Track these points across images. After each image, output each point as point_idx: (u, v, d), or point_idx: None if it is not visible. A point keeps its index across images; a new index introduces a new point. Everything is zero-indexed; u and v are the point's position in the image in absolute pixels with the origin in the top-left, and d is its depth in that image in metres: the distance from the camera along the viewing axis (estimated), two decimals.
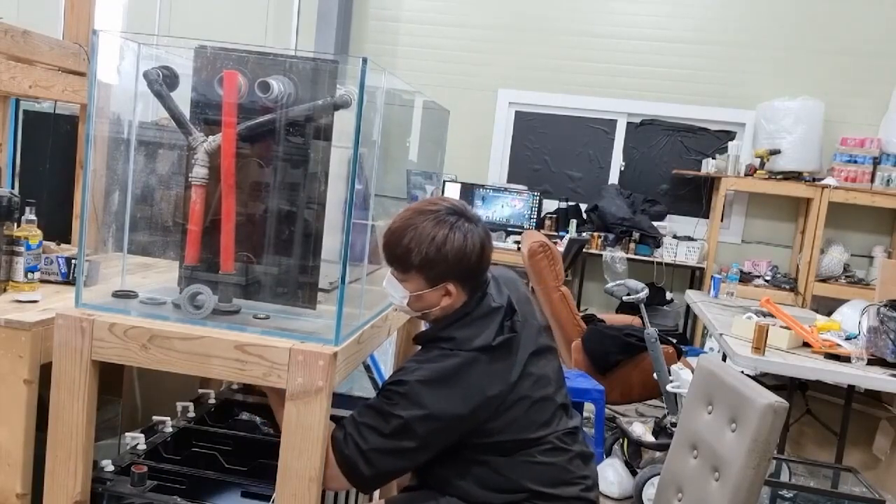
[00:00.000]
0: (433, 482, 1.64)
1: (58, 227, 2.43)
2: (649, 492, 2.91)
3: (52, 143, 2.66)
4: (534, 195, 5.83)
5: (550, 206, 5.99)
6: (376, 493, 2.26)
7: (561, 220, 5.83)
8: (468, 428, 1.54)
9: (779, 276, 5.48)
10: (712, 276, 4.86)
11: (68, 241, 2.43)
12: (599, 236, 5.64)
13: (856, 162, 5.30)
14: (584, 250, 5.47)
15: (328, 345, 1.43)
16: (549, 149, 6.20)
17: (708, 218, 5.80)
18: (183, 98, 1.52)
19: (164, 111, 1.51)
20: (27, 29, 2.27)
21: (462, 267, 1.56)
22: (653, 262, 5.60)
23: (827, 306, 4.75)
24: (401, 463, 1.53)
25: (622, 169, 6.07)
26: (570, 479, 1.64)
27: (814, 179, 5.27)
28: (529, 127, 6.21)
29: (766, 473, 1.76)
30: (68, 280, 1.99)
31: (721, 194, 5.45)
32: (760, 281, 5.45)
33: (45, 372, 1.54)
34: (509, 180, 6.20)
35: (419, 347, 1.68)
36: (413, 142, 3.15)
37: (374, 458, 1.48)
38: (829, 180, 5.21)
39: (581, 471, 1.67)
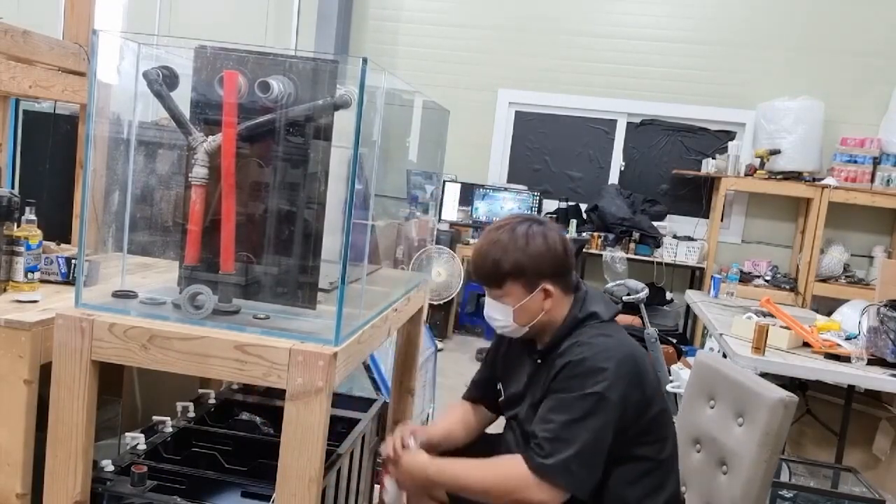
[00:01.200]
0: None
1: (58, 227, 2.43)
2: None
3: (52, 143, 2.66)
4: (534, 195, 5.83)
5: (550, 206, 6.00)
6: (376, 494, 2.26)
7: (561, 220, 5.83)
8: (640, 396, 1.57)
9: (779, 276, 5.48)
10: (712, 276, 4.86)
11: (68, 241, 2.43)
12: (599, 236, 5.64)
13: (856, 162, 5.30)
14: (584, 250, 5.47)
15: (328, 345, 1.43)
16: (549, 149, 6.20)
17: (708, 218, 5.80)
18: (183, 98, 1.52)
19: (163, 111, 1.51)
20: (27, 29, 2.27)
21: (551, 262, 1.63)
22: (653, 262, 5.60)
23: (827, 306, 4.75)
24: (600, 437, 1.52)
25: (622, 169, 6.07)
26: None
27: (814, 179, 5.27)
28: (529, 127, 6.21)
29: (776, 467, 1.78)
30: (68, 280, 1.99)
31: (721, 194, 5.46)
32: (760, 281, 5.45)
33: (45, 372, 1.54)
34: (509, 180, 6.20)
35: (539, 361, 1.70)
36: (413, 142, 3.15)
37: (583, 451, 1.49)
38: (829, 180, 5.21)
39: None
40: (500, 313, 1.66)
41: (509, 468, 1.55)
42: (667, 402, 1.68)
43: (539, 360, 1.69)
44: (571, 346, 1.60)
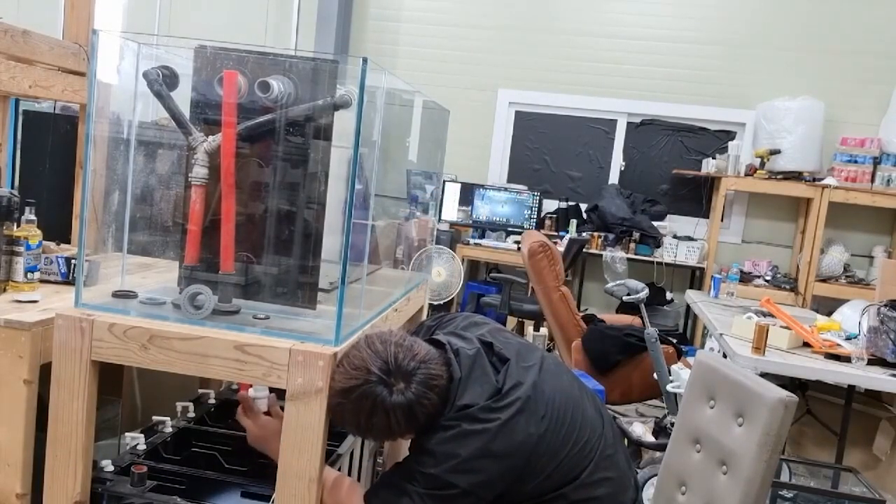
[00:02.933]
0: None
1: (58, 227, 2.43)
2: (649, 492, 2.90)
3: (52, 143, 2.66)
4: (534, 195, 5.83)
5: (550, 206, 6.00)
6: None
7: (561, 220, 5.83)
8: (514, 475, 1.51)
9: (779, 276, 5.48)
10: (712, 276, 4.86)
11: (68, 241, 2.43)
12: (599, 236, 5.64)
13: (856, 162, 5.30)
14: (584, 250, 5.47)
15: (328, 345, 1.43)
16: (549, 149, 6.20)
17: (708, 218, 5.80)
18: (183, 98, 1.52)
19: (163, 111, 1.51)
20: (27, 29, 2.27)
21: (396, 430, 1.47)
22: (653, 262, 5.60)
23: (827, 306, 4.75)
24: None
25: (622, 169, 6.07)
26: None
27: (814, 179, 5.27)
28: (529, 127, 6.21)
29: (776, 467, 1.77)
30: (68, 280, 1.99)
31: (721, 194, 5.46)
32: (760, 281, 5.45)
33: (45, 372, 1.54)
34: (509, 180, 6.20)
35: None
36: (413, 142, 3.15)
37: None
38: (829, 180, 5.20)
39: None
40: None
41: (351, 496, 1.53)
42: (571, 454, 1.57)
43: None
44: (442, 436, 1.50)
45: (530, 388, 1.53)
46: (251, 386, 1.72)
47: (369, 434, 1.51)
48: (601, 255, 5.52)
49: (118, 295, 1.62)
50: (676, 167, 5.85)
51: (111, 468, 1.62)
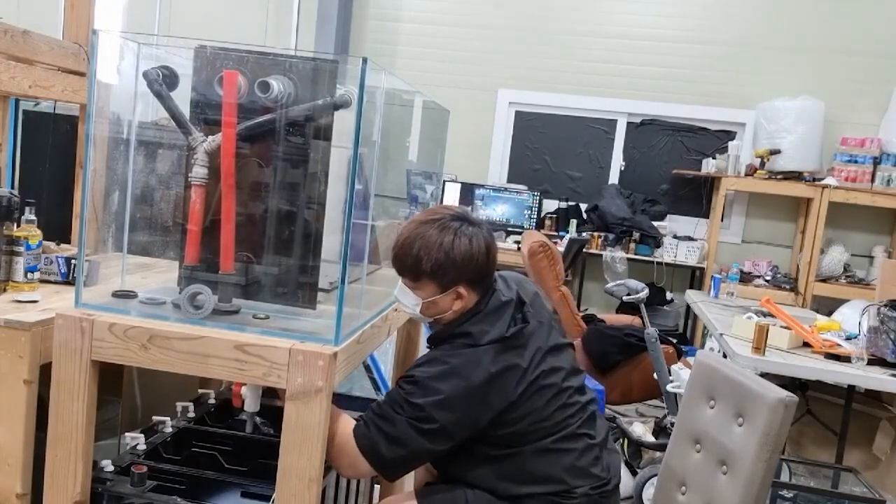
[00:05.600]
0: (455, 477, 1.67)
1: (58, 227, 2.43)
2: (649, 492, 2.91)
3: (52, 143, 2.66)
4: (534, 195, 5.83)
5: (550, 206, 5.99)
6: (376, 494, 2.26)
7: (561, 220, 5.83)
8: (485, 418, 1.57)
9: (779, 276, 5.48)
10: (712, 276, 4.86)
11: (68, 241, 2.43)
12: (599, 236, 5.64)
13: (856, 162, 5.30)
14: (584, 250, 5.47)
15: (328, 345, 1.43)
16: (549, 149, 6.19)
17: (708, 218, 5.80)
18: (183, 98, 1.52)
19: (163, 111, 1.51)
20: (27, 29, 2.27)
21: (471, 269, 1.60)
22: (653, 262, 5.60)
23: (827, 306, 4.75)
24: (421, 447, 1.54)
25: (622, 169, 6.07)
26: (591, 469, 1.67)
27: (814, 179, 5.27)
28: (529, 127, 6.21)
29: (776, 467, 1.77)
30: (68, 280, 1.99)
31: (721, 194, 5.45)
32: (761, 281, 5.45)
33: (45, 372, 1.54)
34: (509, 180, 6.20)
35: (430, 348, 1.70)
36: (413, 142, 3.15)
37: (396, 440, 1.52)
38: (829, 180, 5.20)
39: (600, 462, 1.71)
40: (408, 300, 1.66)
41: (345, 427, 1.57)
42: (538, 400, 1.64)
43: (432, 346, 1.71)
44: (426, 357, 1.62)
45: (530, 354, 1.63)
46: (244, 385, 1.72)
47: (442, 264, 1.57)
48: (601, 255, 5.52)
49: (118, 295, 1.62)
50: (676, 167, 5.85)
51: (111, 468, 1.62)
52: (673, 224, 5.86)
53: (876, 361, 2.83)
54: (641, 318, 3.51)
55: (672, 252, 5.60)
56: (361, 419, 1.57)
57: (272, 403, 2.10)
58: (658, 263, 5.59)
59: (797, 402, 1.65)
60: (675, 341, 4.07)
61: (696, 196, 5.89)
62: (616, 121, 6.05)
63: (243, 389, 1.72)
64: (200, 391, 2.13)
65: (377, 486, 2.30)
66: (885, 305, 2.84)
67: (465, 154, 6.02)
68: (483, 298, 1.66)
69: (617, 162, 6.08)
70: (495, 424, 1.58)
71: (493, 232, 1.68)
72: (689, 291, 5.05)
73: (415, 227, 1.61)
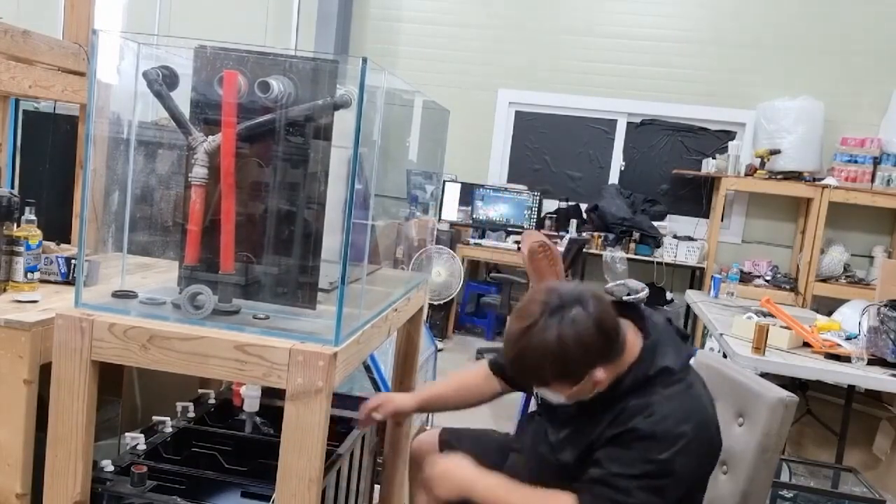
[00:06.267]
0: None
1: (58, 227, 2.43)
2: None
3: (52, 143, 2.66)
4: (534, 195, 5.83)
5: (550, 206, 6.00)
6: (376, 494, 2.26)
7: (561, 220, 5.83)
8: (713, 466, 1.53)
9: (779, 276, 5.48)
10: (712, 276, 4.86)
11: (68, 241, 2.43)
12: (599, 236, 5.64)
13: (856, 162, 5.30)
14: (584, 250, 5.47)
15: (328, 345, 1.42)
16: (549, 149, 6.20)
17: (708, 218, 5.80)
18: (183, 98, 1.51)
19: (163, 111, 1.51)
20: (27, 29, 2.27)
21: (592, 354, 1.45)
22: (653, 262, 5.60)
23: (827, 306, 4.75)
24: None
25: (622, 169, 6.07)
26: None
27: (814, 179, 5.27)
28: (529, 127, 6.21)
29: (776, 467, 1.77)
30: (68, 280, 1.99)
31: (721, 194, 5.45)
32: (761, 281, 5.45)
33: (45, 372, 1.54)
34: (509, 180, 6.20)
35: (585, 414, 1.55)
36: (413, 142, 3.15)
37: None
38: (829, 180, 5.21)
39: None
40: (553, 398, 1.55)
41: None
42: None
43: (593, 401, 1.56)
44: (640, 407, 1.47)
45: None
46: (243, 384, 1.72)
47: (564, 368, 1.44)
48: (601, 255, 5.52)
49: (118, 295, 1.61)
50: (676, 167, 5.85)
51: (111, 468, 1.62)
52: (673, 224, 5.86)
53: (876, 361, 2.83)
54: None
55: (672, 252, 5.60)
56: (586, 494, 1.45)
57: (272, 403, 2.10)
58: (658, 263, 5.59)
59: (797, 402, 1.65)
60: None
61: (696, 196, 5.89)
62: (616, 121, 6.05)
63: (243, 389, 1.72)
64: (200, 391, 2.13)
65: (377, 486, 2.30)
66: (885, 305, 2.84)
67: (465, 154, 6.02)
68: (644, 340, 1.53)
69: (617, 162, 6.08)
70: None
71: (598, 298, 1.48)
72: (689, 291, 5.06)
73: (516, 337, 1.47)
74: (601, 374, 1.47)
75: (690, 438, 1.41)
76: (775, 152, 5.30)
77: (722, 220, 5.59)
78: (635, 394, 1.49)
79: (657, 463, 1.40)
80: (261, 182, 1.54)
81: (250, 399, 1.70)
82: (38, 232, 1.91)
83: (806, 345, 3.05)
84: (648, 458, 1.41)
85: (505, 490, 1.54)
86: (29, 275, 1.87)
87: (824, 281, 5.27)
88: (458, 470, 1.59)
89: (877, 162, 5.28)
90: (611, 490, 1.42)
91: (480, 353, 5.20)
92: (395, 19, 6.28)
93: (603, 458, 1.46)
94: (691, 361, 1.61)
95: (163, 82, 1.48)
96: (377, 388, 2.81)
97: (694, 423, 1.43)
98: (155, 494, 1.55)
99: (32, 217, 1.90)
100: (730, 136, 5.81)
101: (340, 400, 2.12)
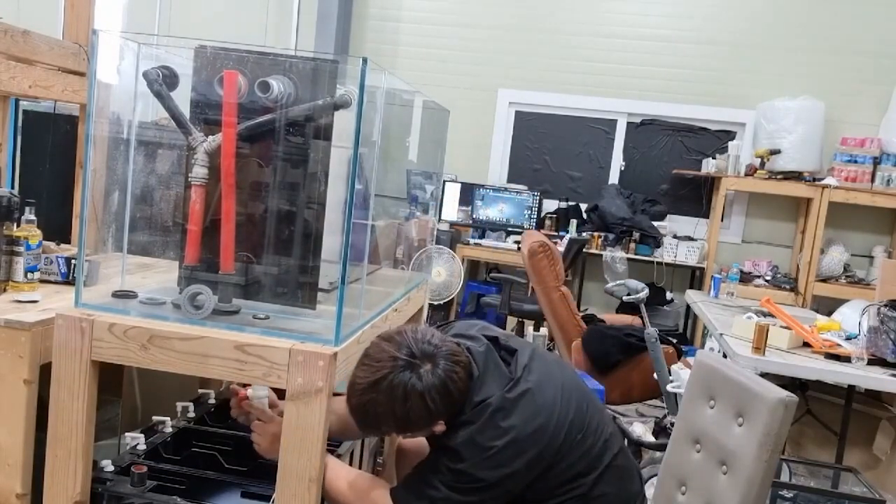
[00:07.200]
0: None
1: (58, 227, 2.43)
2: (649, 492, 2.90)
3: (52, 143, 2.66)
4: (534, 195, 5.83)
5: (550, 206, 5.99)
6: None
7: (561, 220, 5.83)
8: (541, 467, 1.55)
9: (779, 276, 5.48)
10: (712, 276, 4.86)
11: (68, 241, 2.43)
12: (599, 236, 5.64)
13: (856, 162, 5.30)
14: (584, 250, 5.47)
15: (328, 345, 1.43)
16: (549, 149, 6.20)
17: (708, 218, 5.80)
18: (183, 98, 1.52)
19: (163, 111, 1.51)
20: (27, 29, 2.27)
21: (435, 415, 1.48)
22: (653, 262, 5.60)
23: (827, 306, 4.75)
24: None
25: (622, 169, 6.07)
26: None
27: (814, 179, 5.27)
28: (529, 127, 6.21)
29: (776, 467, 1.77)
30: (68, 280, 1.99)
31: (721, 194, 5.45)
32: (761, 281, 5.45)
33: (45, 372, 1.54)
34: (509, 180, 6.20)
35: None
36: (413, 142, 3.16)
37: None
38: (829, 180, 5.20)
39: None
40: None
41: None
42: (592, 442, 1.61)
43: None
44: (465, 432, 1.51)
45: (540, 375, 1.57)
46: (250, 386, 1.72)
47: (406, 425, 1.49)
48: (601, 255, 5.52)
49: (118, 295, 1.62)
50: (676, 167, 5.85)
51: (111, 468, 1.62)
52: (673, 224, 5.86)
53: (876, 361, 2.83)
54: (641, 318, 3.51)
55: (672, 252, 5.60)
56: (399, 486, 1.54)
57: None
58: (658, 263, 5.59)
59: (797, 402, 1.65)
60: (675, 341, 4.06)
61: (696, 196, 5.88)
62: (616, 121, 6.04)
63: (250, 391, 1.72)
64: (200, 391, 2.13)
65: None
66: (885, 305, 2.84)
67: (465, 154, 6.02)
68: (463, 394, 1.52)
69: (617, 162, 6.08)
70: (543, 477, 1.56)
71: (451, 355, 1.49)
72: (689, 291, 5.05)
73: (363, 389, 1.45)
74: (440, 428, 1.52)
75: (499, 448, 1.47)
76: (775, 152, 5.30)
77: (722, 220, 5.59)
78: (456, 432, 1.52)
79: (457, 473, 1.48)
80: (261, 182, 1.54)
81: (258, 400, 1.70)
82: (38, 232, 1.91)
83: (806, 345, 3.05)
84: (448, 465, 1.49)
85: (338, 469, 1.57)
86: (29, 275, 1.87)
87: (824, 281, 5.27)
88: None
89: (877, 162, 5.28)
90: (418, 479, 1.52)
91: None
92: (395, 19, 6.28)
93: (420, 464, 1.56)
94: (697, 356, 1.64)
95: (163, 82, 1.48)
96: None
97: (509, 436, 1.48)
98: (155, 494, 1.55)
99: (32, 217, 1.90)
100: (730, 136, 5.81)
101: (340, 400, 2.12)
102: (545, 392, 1.55)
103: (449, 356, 1.48)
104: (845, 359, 2.86)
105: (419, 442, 1.94)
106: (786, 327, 3.06)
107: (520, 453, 1.50)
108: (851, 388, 3.11)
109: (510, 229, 5.84)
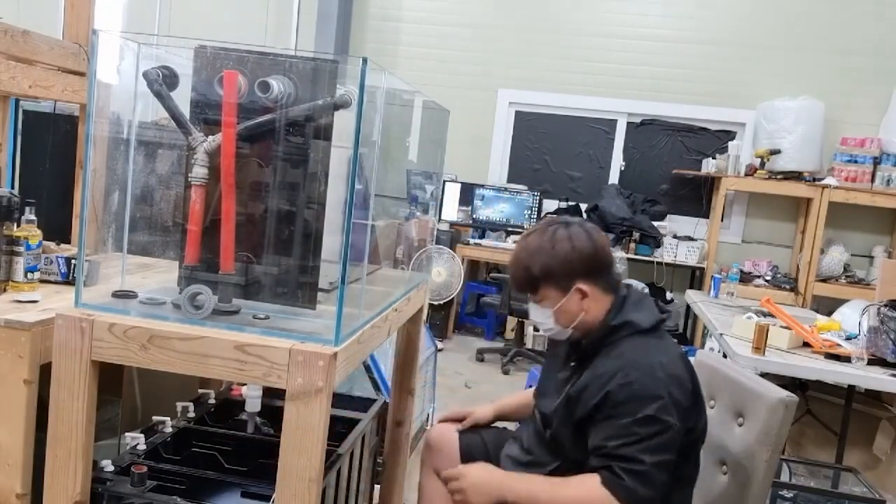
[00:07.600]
0: None
1: (58, 227, 2.43)
2: None
3: (52, 143, 2.66)
4: (534, 195, 5.83)
5: (550, 206, 5.99)
6: (376, 494, 2.26)
7: None
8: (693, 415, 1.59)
9: (779, 276, 5.48)
10: (712, 276, 4.86)
11: (68, 241, 2.43)
12: None
13: (856, 162, 5.30)
14: None
15: (328, 345, 1.42)
16: (549, 149, 6.20)
17: (708, 218, 5.80)
18: (183, 98, 1.51)
19: (163, 111, 1.51)
20: (27, 29, 2.27)
21: (580, 262, 1.62)
22: (653, 262, 5.60)
23: (827, 306, 4.75)
24: (667, 463, 1.51)
25: (622, 169, 6.07)
26: None
27: (814, 179, 5.27)
28: (529, 127, 6.21)
29: (776, 467, 1.78)
30: (68, 280, 1.99)
31: (721, 194, 5.46)
32: (761, 281, 5.45)
33: (45, 372, 1.54)
34: (509, 180, 6.20)
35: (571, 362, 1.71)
36: (413, 142, 3.15)
37: (647, 476, 1.48)
38: (829, 180, 5.21)
39: None
40: (541, 317, 1.69)
41: (591, 493, 1.52)
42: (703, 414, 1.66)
43: (573, 363, 1.70)
44: (607, 363, 1.57)
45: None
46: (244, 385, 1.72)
47: (550, 269, 1.62)
48: None
49: (118, 295, 1.61)
50: (676, 167, 5.85)
51: (111, 468, 1.62)
52: (673, 224, 5.86)
53: (876, 361, 2.83)
54: None
55: (672, 252, 5.60)
56: (605, 471, 1.51)
57: (272, 403, 2.10)
58: (658, 263, 5.59)
59: (797, 402, 1.65)
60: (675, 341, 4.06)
61: (696, 196, 5.89)
62: (616, 121, 6.05)
63: (244, 389, 1.72)
64: (200, 391, 2.13)
65: (377, 486, 2.30)
66: (885, 305, 2.84)
67: (465, 154, 6.02)
68: (616, 294, 1.67)
69: (617, 162, 6.08)
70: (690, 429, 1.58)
71: (598, 229, 1.70)
72: (689, 291, 5.05)
73: (518, 243, 1.71)
74: (585, 289, 1.62)
75: (666, 390, 1.50)
76: (775, 152, 5.30)
77: (722, 220, 5.60)
78: (603, 344, 1.62)
79: (645, 422, 1.48)
80: (261, 182, 1.54)
81: (252, 399, 1.70)
82: (38, 232, 1.91)
83: (806, 345, 3.05)
84: (636, 420, 1.49)
85: (538, 485, 1.60)
86: (29, 275, 1.87)
87: (824, 281, 5.27)
88: (488, 477, 1.65)
89: (877, 162, 5.28)
90: (623, 462, 1.49)
91: (480, 354, 5.20)
92: (395, 19, 6.28)
93: (602, 438, 1.53)
94: (697, 356, 1.67)
95: (163, 82, 1.48)
96: (377, 388, 2.81)
97: (664, 374, 1.52)
98: (155, 494, 1.55)
99: (32, 217, 1.90)
100: (730, 136, 5.81)
101: (340, 400, 2.12)
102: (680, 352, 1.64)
103: (594, 227, 1.70)
104: (845, 359, 2.86)
105: (452, 439, 1.98)
106: (786, 327, 3.06)
107: (676, 378, 1.53)
108: (851, 388, 3.10)
109: (510, 229, 5.84)
